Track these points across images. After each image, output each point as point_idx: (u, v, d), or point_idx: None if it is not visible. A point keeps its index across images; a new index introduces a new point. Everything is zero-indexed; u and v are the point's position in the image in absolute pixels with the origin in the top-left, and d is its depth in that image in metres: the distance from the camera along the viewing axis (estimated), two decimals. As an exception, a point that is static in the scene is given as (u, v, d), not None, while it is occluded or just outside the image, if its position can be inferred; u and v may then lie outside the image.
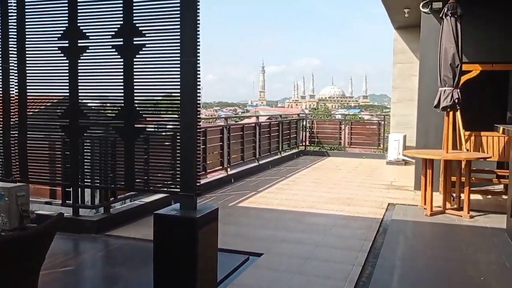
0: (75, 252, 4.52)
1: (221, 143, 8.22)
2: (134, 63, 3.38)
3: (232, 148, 8.68)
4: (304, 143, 13.28)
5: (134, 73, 3.38)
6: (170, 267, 3.18)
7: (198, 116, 3.24)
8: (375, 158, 12.46)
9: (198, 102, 3.24)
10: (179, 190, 3.29)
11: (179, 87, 3.23)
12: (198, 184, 3.33)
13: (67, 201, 5.16)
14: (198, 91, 3.24)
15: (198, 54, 3.21)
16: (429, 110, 7.34)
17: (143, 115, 3.40)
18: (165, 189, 3.51)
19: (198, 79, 3.23)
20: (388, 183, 8.51)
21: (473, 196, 6.33)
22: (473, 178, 6.39)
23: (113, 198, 5.42)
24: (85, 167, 3.57)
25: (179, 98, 3.23)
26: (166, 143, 3.43)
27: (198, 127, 3.27)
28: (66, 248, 4.58)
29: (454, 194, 6.45)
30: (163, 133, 3.44)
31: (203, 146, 7.58)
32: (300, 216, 5.88)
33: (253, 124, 9.87)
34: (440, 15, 6.04)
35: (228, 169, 8.37)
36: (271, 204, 6.52)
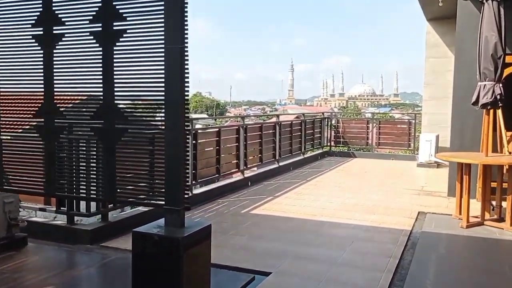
0: (62, 267, 4.07)
1: (237, 144, 7.69)
2: (115, 52, 2.90)
3: (250, 149, 8.15)
4: (329, 143, 12.61)
5: (115, 64, 2.90)
6: (151, 295, 2.67)
7: (186, 115, 2.72)
8: (405, 159, 11.67)
9: (186, 97, 2.72)
10: (163, 203, 2.79)
11: (163, 79, 2.72)
12: (186, 196, 2.82)
13: (61, 208, 4.74)
14: (186, 84, 2.72)
15: (186, 41, 2.69)
16: (466, 107, 6.62)
17: (125, 114, 2.91)
18: (147, 201, 3.01)
19: (186, 71, 2.70)
20: (419, 188, 7.79)
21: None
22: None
23: (112, 205, 4.97)
24: (60, 174, 3.12)
25: (163, 92, 2.73)
26: (150, 147, 2.93)
27: (186, 127, 2.76)
28: (53, 262, 4.15)
29: (493, 203, 5.71)
30: (147, 135, 2.94)
31: (217, 147, 7.08)
32: (319, 226, 5.28)
33: (273, 124, 9.30)
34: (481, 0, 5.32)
35: (245, 172, 7.84)
36: (288, 211, 5.95)
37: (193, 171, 6.32)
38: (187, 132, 6.14)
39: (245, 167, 7.84)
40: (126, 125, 2.89)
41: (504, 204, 5.37)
